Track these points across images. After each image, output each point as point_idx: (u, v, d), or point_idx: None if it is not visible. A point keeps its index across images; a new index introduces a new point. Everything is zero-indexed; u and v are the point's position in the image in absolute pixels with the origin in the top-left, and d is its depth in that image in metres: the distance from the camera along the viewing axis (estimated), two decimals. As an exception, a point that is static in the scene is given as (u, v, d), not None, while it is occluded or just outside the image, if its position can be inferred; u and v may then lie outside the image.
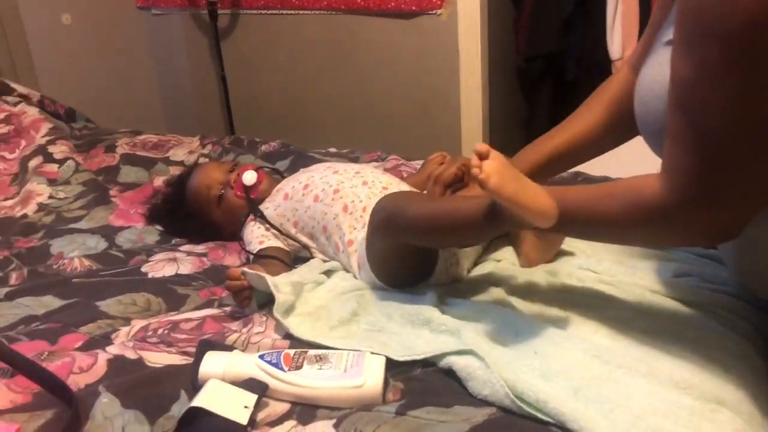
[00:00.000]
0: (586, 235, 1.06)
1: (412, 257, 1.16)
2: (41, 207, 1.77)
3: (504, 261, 1.28)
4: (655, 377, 0.88)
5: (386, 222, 1.12)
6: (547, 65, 3.18)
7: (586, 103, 1.16)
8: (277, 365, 0.95)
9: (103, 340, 1.12)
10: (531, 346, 0.97)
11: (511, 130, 3.12)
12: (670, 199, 0.81)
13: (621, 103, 1.08)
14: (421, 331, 1.05)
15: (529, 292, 1.14)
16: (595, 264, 1.20)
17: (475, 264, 1.29)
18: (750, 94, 0.73)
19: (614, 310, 1.04)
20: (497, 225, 0.96)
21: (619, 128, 1.10)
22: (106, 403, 0.93)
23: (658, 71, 0.87)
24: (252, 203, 1.49)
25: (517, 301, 1.11)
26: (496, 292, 1.14)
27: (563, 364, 0.92)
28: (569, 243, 1.27)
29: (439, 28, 2.51)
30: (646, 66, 0.93)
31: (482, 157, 0.88)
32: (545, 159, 1.16)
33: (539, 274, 1.19)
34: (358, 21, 2.67)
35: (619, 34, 2.44)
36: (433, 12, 2.49)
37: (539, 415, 0.85)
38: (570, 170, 1.68)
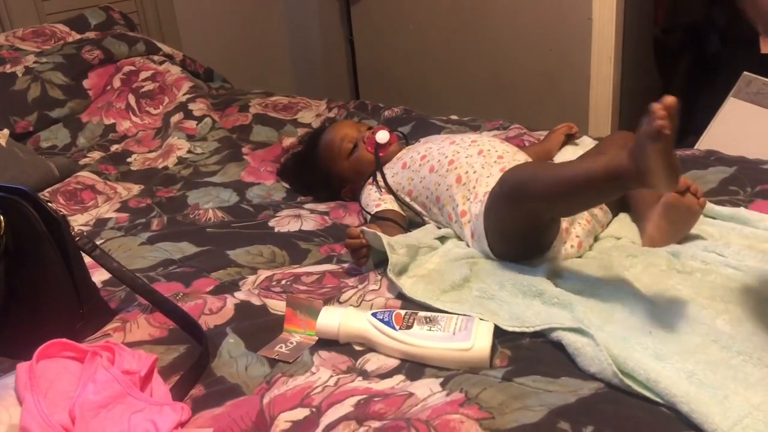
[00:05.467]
0: None
1: (532, 231, 1.15)
2: (180, 160, 1.91)
3: (624, 239, 1.25)
4: (779, 368, 0.85)
5: (516, 189, 1.11)
6: (686, 37, 2.99)
7: None
8: (388, 323, 0.99)
9: (231, 286, 1.21)
10: (646, 326, 0.95)
11: (642, 104, 2.97)
12: None
13: None
14: (533, 301, 1.05)
15: (648, 271, 1.11)
16: (723, 247, 1.15)
17: (595, 240, 1.27)
18: None
19: (739, 295, 1.00)
20: (624, 183, 0.97)
21: None
22: (233, 344, 1.01)
23: None
24: (379, 160, 1.54)
25: (634, 279, 1.08)
26: (613, 269, 1.12)
27: (678, 346, 0.90)
28: (696, 226, 1.22)
29: (573, -4, 2.43)
30: None
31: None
32: None
33: (661, 254, 1.15)
34: (489, -13, 2.63)
35: (771, 5, 2.24)
36: (567, -21, 2.41)
37: (649, 394, 0.84)
38: (704, 149, 1.59)
